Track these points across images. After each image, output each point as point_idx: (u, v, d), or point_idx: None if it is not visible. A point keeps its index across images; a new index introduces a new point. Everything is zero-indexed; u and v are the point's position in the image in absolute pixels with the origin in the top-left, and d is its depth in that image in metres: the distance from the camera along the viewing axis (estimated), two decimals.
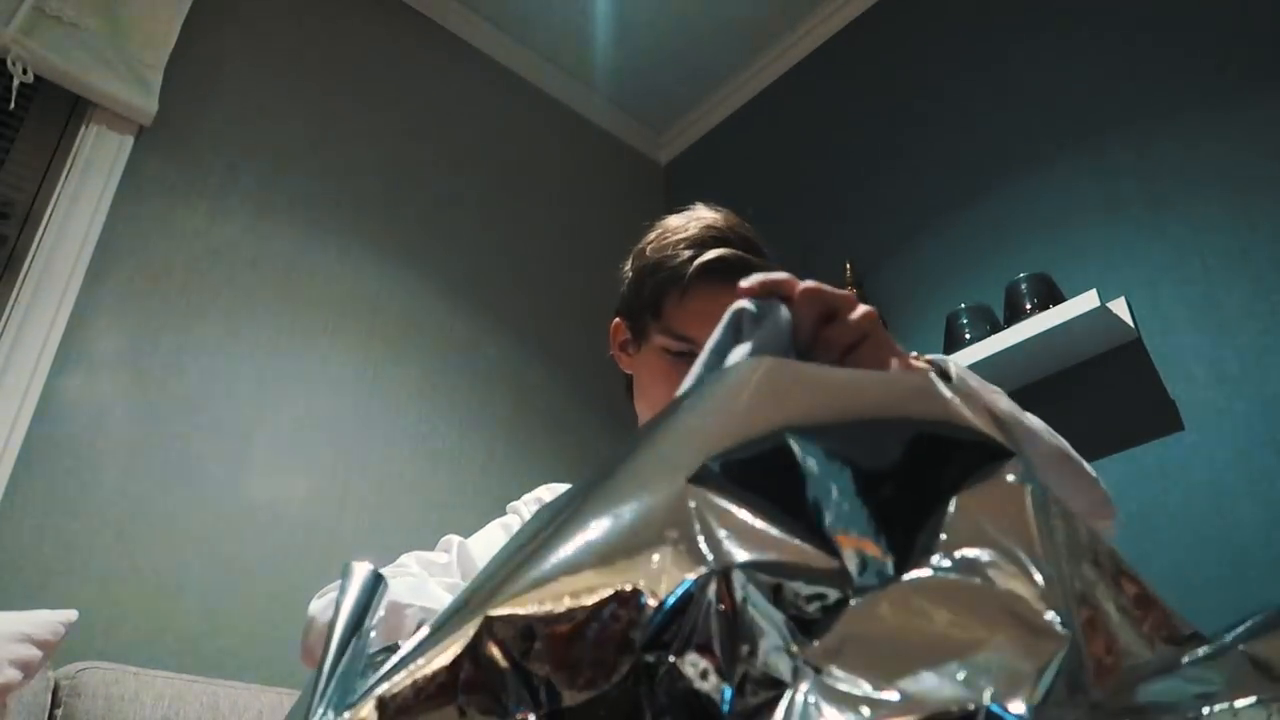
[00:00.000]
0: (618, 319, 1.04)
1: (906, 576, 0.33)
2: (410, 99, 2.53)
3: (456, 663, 0.30)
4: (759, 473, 0.36)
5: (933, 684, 0.27)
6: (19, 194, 1.81)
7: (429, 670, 0.30)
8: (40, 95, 1.86)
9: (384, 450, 2.07)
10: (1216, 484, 1.59)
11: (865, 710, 0.27)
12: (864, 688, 0.28)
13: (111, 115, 1.91)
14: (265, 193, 2.11)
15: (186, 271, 1.91)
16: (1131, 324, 1.79)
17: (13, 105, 1.79)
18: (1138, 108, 1.96)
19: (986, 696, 0.26)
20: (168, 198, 1.95)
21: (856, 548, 0.34)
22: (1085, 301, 1.75)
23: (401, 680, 0.30)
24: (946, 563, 0.33)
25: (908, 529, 0.35)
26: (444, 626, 0.32)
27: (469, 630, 0.31)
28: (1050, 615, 0.30)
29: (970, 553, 0.33)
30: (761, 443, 0.37)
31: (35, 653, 1.19)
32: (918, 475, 0.37)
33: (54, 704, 1.29)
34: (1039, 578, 0.32)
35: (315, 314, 2.09)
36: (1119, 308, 1.79)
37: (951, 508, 0.35)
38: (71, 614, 1.28)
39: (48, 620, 1.24)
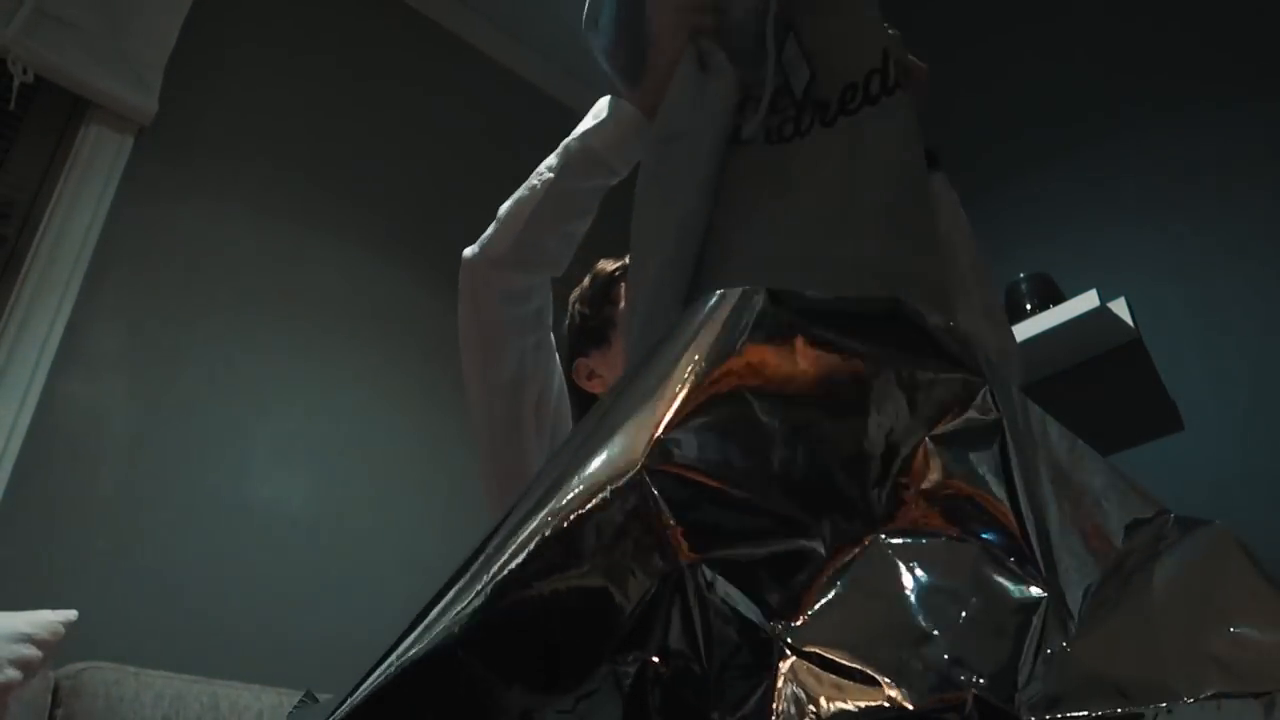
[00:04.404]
0: (577, 360, 1.09)
1: (884, 539, 0.32)
2: (410, 98, 2.53)
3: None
4: (720, 436, 0.34)
5: (919, 669, 0.27)
6: (19, 194, 1.80)
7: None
8: (40, 95, 1.85)
9: (384, 450, 2.07)
10: (1216, 484, 1.59)
11: (851, 700, 0.27)
12: (848, 673, 0.27)
13: (111, 115, 1.91)
14: (265, 192, 2.11)
15: (186, 271, 1.91)
16: (1131, 324, 1.79)
17: (13, 105, 1.79)
18: (1138, 107, 1.96)
19: (973, 685, 0.26)
20: (168, 198, 1.95)
21: (831, 503, 0.32)
22: (1085, 301, 1.75)
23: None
24: (923, 516, 0.32)
25: (883, 470, 0.33)
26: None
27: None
28: (1025, 584, 0.29)
29: (949, 501, 0.32)
30: (720, 404, 0.35)
31: (35, 653, 1.19)
32: (888, 414, 0.35)
33: (54, 704, 1.29)
34: (1015, 528, 0.31)
35: (315, 313, 2.09)
36: (1119, 308, 1.79)
37: (925, 450, 0.34)
38: (71, 614, 1.28)
39: (48, 620, 1.24)
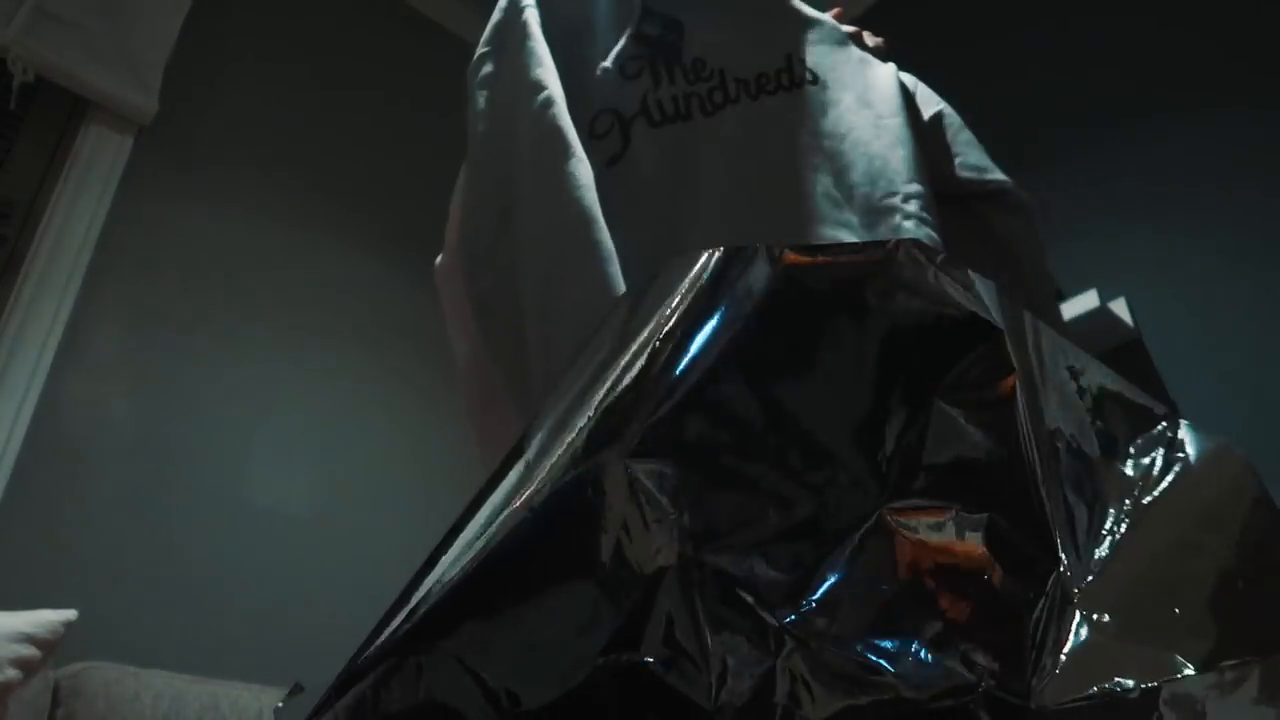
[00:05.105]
0: None
1: (891, 516, 0.29)
2: (410, 99, 2.53)
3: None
4: (709, 412, 0.31)
5: (926, 659, 0.26)
6: (19, 194, 1.80)
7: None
8: (40, 95, 1.85)
9: (384, 450, 2.07)
10: None
11: (855, 691, 0.26)
12: (855, 666, 0.26)
13: (111, 115, 1.91)
14: (265, 193, 2.11)
15: (186, 271, 1.91)
16: (1131, 324, 1.79)
17: (13, 105, 1.79)
18: (1138, 107, 1.96)
19: (985, 679, 0.25)
20: (168, 198, 1.95)
21: (833, 479, 0.31)
22: (1085, 301, 1.75)
23: None
24: (932, 488, 0.29)
25: (888, 437, 0.31)
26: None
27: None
28: (1036, 559, 0.27)
29: (958, 471, 0.30)
30: (706, 376, 0.32)
31: (35, 653, 1.19)
32: (891, 374, 0.32)
33: (54, 704, 1.29)
34: (1022, 501, 0.29)
35: (315, 314, 2.09)
36: (1119, 308, 1.79)
37: (935, 412, 0.31)
38: (71, 614, 1.28)
39: (48, 620, 1.24)
